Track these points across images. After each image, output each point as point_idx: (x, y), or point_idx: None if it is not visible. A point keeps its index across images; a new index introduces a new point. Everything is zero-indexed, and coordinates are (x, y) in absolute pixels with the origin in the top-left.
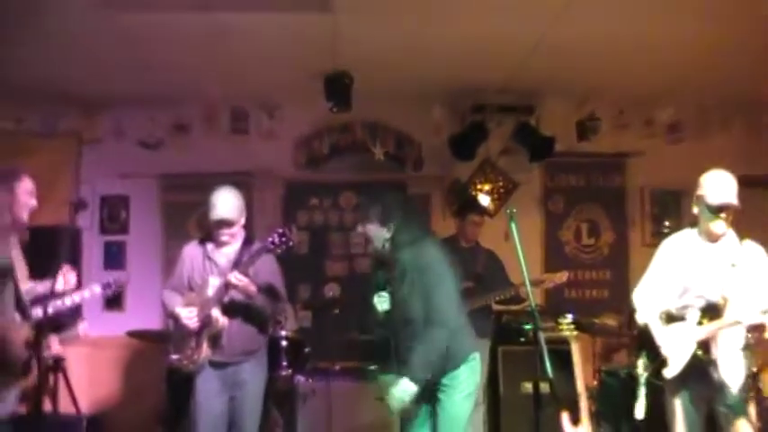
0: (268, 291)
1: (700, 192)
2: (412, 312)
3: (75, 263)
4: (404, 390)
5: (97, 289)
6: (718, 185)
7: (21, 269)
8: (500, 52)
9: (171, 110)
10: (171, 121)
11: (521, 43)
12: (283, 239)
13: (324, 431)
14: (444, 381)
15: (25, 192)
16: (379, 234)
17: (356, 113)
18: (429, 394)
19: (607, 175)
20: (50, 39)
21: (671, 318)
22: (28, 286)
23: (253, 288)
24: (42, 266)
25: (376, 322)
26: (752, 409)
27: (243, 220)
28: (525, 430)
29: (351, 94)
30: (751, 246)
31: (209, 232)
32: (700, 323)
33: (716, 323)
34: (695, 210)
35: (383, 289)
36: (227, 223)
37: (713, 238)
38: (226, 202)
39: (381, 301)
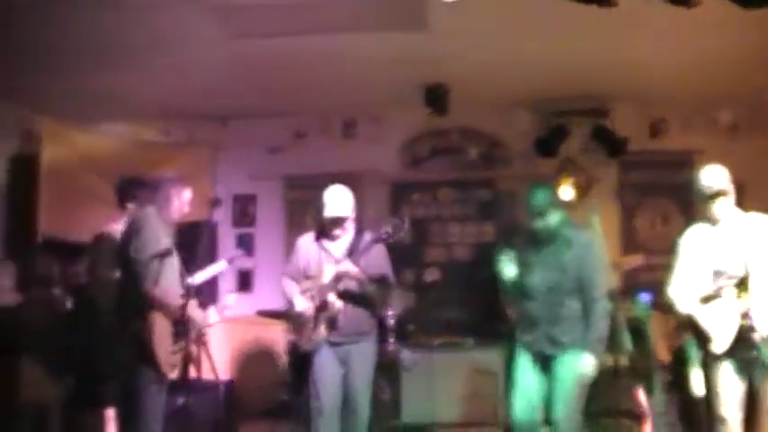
0: (379, 279)
1: (695, 185)
2: (570, 284)
3: (213, 251)
4: (590, 365)
5: (224, 263)
6: (707, 177)
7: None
8: (579, 64)
9: (291, 120)
10: (291, 130)
11: (597, 56)
12: (395, 230)
13: (426, 399)
14: (559, 357)
15: (184, 199)
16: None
17: (452, 119)
18: (544, 364)
19: (676, 171)
20: (191, 65)
21: (707, 299)
22: None
23: (363, 277)
24: (186, 254)
25: (513, 294)
26: None
27: (353, 215)
28: (606, 401)
29: (447, 102)
30: (757, 216)
31: (323, 226)
32: (738, 297)
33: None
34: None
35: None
36: (339, 219)
37: (717, 222)
38: (337, 200)
39: (507, 265)
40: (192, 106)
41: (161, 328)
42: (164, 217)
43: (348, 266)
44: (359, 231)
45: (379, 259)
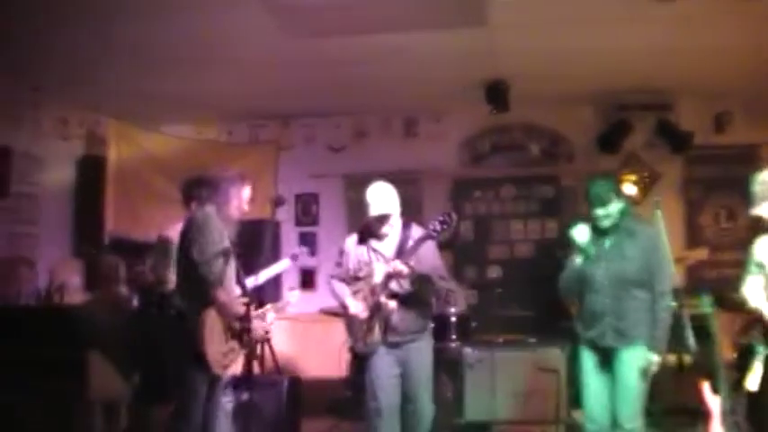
0: (430, 275)
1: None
2: (635, 275)
3: (276, 250)
4: (653, 361)
5: (287, 261)
6: (760, 181)
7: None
8: (641, 56)
9: (353, 119)
10: (353, 129)
11: (660, 48)
12: (444, 225)
13: (488, 396)
14: (624, 351)
15: (244, 197)
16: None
17: (513, 115)
18: (607, 361)
19: (742, 165)
20: (254, 66)
21: None
22: None
23: (413, 276)
24: (250, 253)
25: (575, 289)
26: None
27: (399, 210)
28: (671, 399)
29: (508, 98)
30: None
31: (369, 225)
32: None
33: None
34: None
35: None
36: (384, 218)
37: None
38: (381, 198)
39: (580, 233)
40: (255, 106)
41: (213, 327)
42: (223, 216)
43: (398, 266)
44: (406, 226)
45: (428, 256)
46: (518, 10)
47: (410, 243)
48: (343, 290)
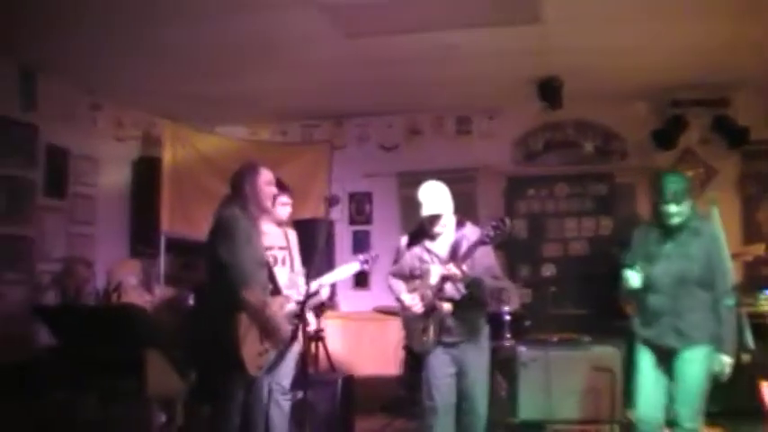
0: (484, 278)
1: None
2: (698, 275)
3: (330, 249)
4: (725, 363)
5: (357, 265)
6: None
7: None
8: (697, 51)
9: (405, 117)
10: (406, 127)
11: (716, 42)
12: (498, 231)
13: (543, 395)
14: (685, 351)
15: (265, 184)
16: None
17: (567, 112)
18: (665, 361)
19: None
20: (307, 66)
21: None
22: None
23: (467, 281)
24: (305, 252)
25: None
26: None
27: (452, 209)
28: (729, 399)
29: (561, 95)
30: None
31: (422, 225)
32: None
33: None
34: None
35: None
36: (436, 218)
37: None
38: (434, 197)
39: (633, 275)
40: (308, 106)
41: (247, 328)
42: (249, 212)
43: (453, 269)
44: (459, 225)
45: (483, 258)
46: (571, 6)
47: (464, 243)
48: (400, 286)
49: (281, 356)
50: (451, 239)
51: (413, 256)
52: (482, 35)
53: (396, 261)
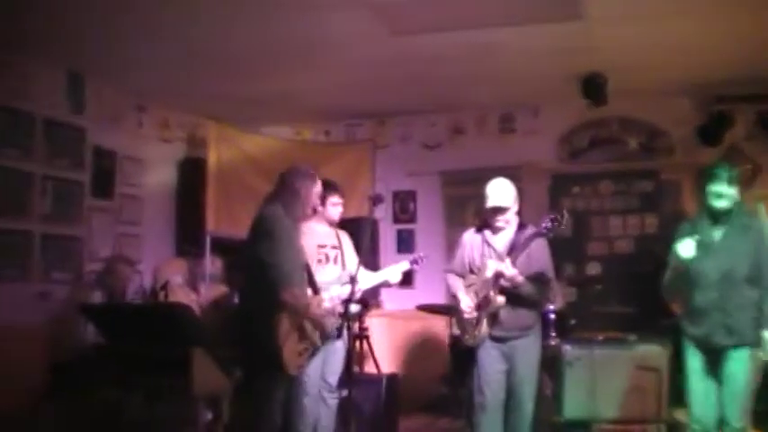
0: (537, 277)
1: None
2: (745, 271)
3: (374, 248)
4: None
5: (406, 264)
6: None
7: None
8: (742, 46)
9: (448, 116)
10: (449, 126)
11: (761, 36)
12: (555, 224)
13: (588, 394)
14: (734, 350)
15: (315, 194)
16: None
17: (611, 109)
18: (714, 360)
19: None
20: (350, 65)
21: None
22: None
23: (519, 279)
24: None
25: (680, 286)
26: None
27: (516, 207)
28: None
29: (605, 92)
30: None
31: (486, 219)
32: None
33: None
34: None
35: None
36: (501, 210)
37: None
38: (499, 191)
39: (687, 242)
40: (352, 106)
41: (287, 328)
42: (291, 213)
43: (506, 267)
44: (521, 227)
45: (539, 255)
46: (614, 2)
47: (521, 241)
48: (457, 283)
49: (328, 354)
50: (511, 237)
51: (473, 248)
52: (525, 32)
53: (454, 256)
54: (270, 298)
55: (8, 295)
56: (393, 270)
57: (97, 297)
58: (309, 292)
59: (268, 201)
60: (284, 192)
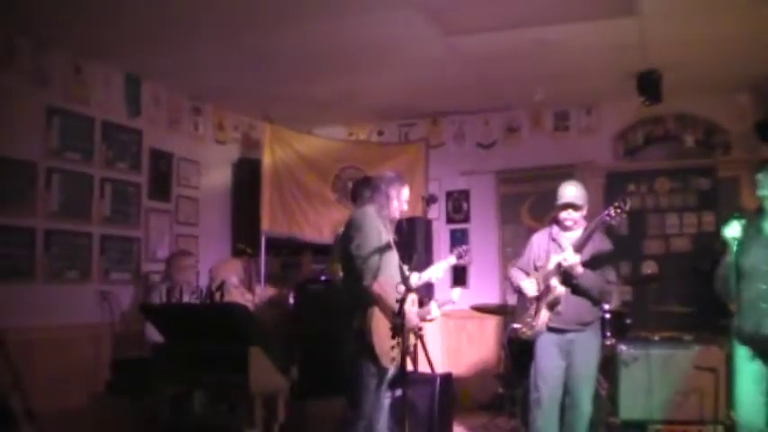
0: (601, 273)
1: None
2: None
3: (428, 247)
4: None
5: (453, 259)
6: None
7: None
8: None
9: (503, 114)
10: (503, 124)
11: None
12: (618, 210)
13: (644, 394)
14: None
15: (403, 197)
16: None
17: (667, 106)
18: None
19: None
20: (404, 65)
21: None
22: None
23: (579, 269)
24: (404, 250)
25: (732, 277)
26: None
27: (585, 210)
28: None
29: (661, 88)
30: None
31: (555, 218)
32: None
33: None
34: None
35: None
36: (571, 206)
37: None
38: (573, 190)
39: (732, 229)
40: (405, 106)
41: (380, 321)
42: (383, 214)
43: (568, 254)
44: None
45: (603, 255)
46: None
47: (589, 243)
48: (519, 274)
49: None
50: (578, 235)
51: (539, 247)
52: (579, 29)
53: (522, 254)
54: (361, 291)
55: (70, 295)
56: (436, 268)
57: (156, 297)
58: (402, 288)
59: (362, 202)
60: (377, 194)
